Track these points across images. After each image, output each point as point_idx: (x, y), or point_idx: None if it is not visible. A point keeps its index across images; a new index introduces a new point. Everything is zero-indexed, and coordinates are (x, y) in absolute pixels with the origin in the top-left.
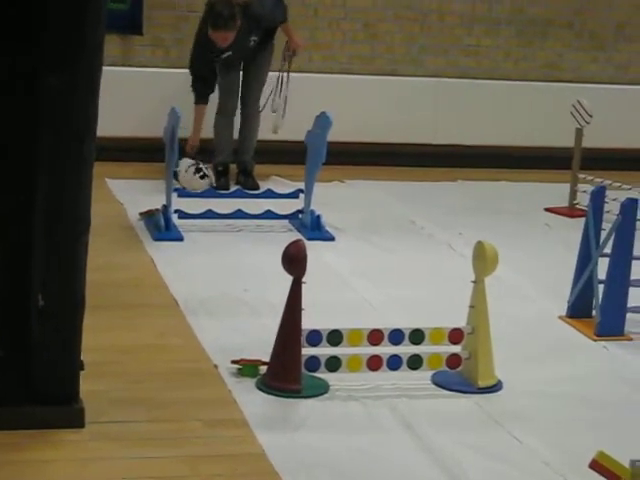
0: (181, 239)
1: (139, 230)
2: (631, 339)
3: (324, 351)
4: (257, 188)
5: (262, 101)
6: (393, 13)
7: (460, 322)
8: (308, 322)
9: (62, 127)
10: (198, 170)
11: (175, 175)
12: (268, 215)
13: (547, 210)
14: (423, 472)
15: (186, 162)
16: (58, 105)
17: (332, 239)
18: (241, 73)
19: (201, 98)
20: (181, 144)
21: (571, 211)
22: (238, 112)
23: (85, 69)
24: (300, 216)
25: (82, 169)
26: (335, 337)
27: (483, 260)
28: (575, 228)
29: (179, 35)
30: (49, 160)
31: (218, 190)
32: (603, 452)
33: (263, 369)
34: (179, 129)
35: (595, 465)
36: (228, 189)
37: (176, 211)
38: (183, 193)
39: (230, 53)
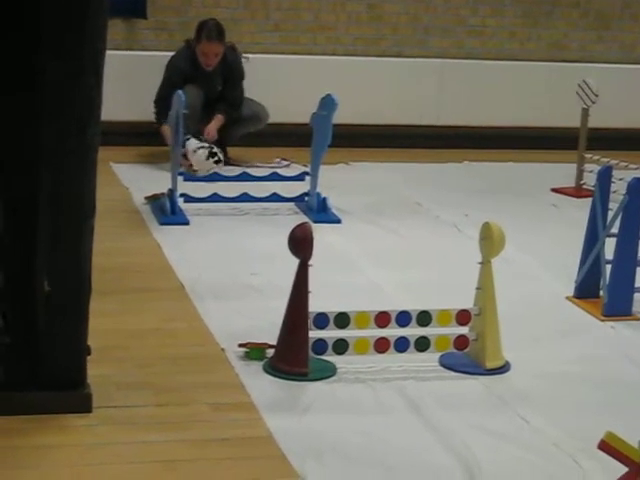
0: (187, 223)
1: (145, 214)
2: (639, 319)
3: (331, 334)
4: (229, 162)
5: None
6: None
7: (467, 303)
8: (315, 305)
9: (66, 112)
10: (212, 155)
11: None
12: (274, 198)
13: (553, 190)
14: (431, 454)
15: (194, 143)
16: (62, 90)
17: (338, 221)
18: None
19: (164, 118)
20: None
21: (578, 191)
22: None
23: (89, 54)
24: (306, 199)
25: (87, 154)
26: (342, 320)
27: (490, 241)
28: (582, 208)
29: (183, 19)
30: (54, 145)
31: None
32: (612, 433)
33: (270, 352)
34: (183, 113)
35: (604, 446)
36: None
37: (182, 195)
38: (189, 177)
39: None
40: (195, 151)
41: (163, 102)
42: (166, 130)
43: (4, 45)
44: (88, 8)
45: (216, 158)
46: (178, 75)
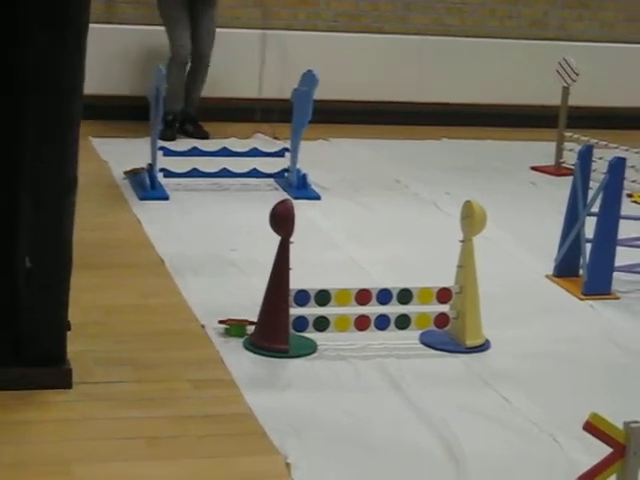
0: (167, 198)
1: (124, 189)
2: (618, 298)
3: (312, 311)
4: (208, 136)
5: None
6: None
7: (448, 282)
8: (295, 282)
9: (49, 86)
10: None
11: None
12: (254, 174)
13: (533, 169)
14: (412, 431)
15: None
16: (44, 64)
17: (318, 198)
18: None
19: None
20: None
21: (557, 170)
22: None
23: (72, 27)
24: (286, 175)
25: (69, 128)
26: (323, 297)
27: (472, 220)
28: (561, 187)
29: None
30: (36, 119)
31: (164, 141)
32: (596, 414)
33: (250, 329)
34: (163, 88)
35: (589, 427)
36: (174, 139)
37: (161, 170)
38: (168, 152)
39: None
40: None
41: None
42: None
43: None
44: None
45: None
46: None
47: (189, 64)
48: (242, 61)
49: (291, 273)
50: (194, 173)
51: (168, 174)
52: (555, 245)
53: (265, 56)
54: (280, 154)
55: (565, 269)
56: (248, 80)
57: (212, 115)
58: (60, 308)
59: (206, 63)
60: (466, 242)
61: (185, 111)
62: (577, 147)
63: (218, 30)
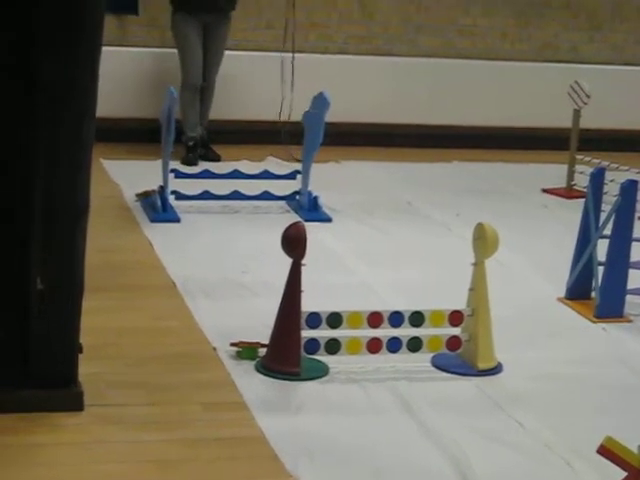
0: (178, 220)
1: (136, 211)
2: (630, 321)
3: (324, 333)
4: (219, 159)
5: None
6: None
7: (460, 304)
8: (307, 304)
9: (62, 109)
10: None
11: None
12: (265, 196)
13: (544, 191)
14: (423, 455)
15: None
16: (57, 86)
17: (329, 220)
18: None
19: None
20: (177, 126)
21: (568, 192)
22: None
23: (85, 50)
24: (297, 197)
25: (81, 151)
26: (335, 319)
27: (484, 242)
28: (573, 209)
29: None
30: (48, 142)
31: (186, 165)
32: (611, 437)
33: (262, 351)
34: (175, 110)
35: (603, 450)
36: (196, 164)
37: (173, 192)
38: (180, 174)
39: None
40: None
41: None
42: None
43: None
44: (85, 4)
45: None
46: None
47: None
48: (256, 83)
49: (303, 295)
50: (205, 195)
51: (179, 196)
52: (567, 268)
53: (284, 78)
54: (291, 176)
55: (577, 292)
56: (263, 103)
57: (223, 138)
58: (72, 330)
59: (212, 84)
60: (478, 264)
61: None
62: (589, 170)
63: (233, 53)
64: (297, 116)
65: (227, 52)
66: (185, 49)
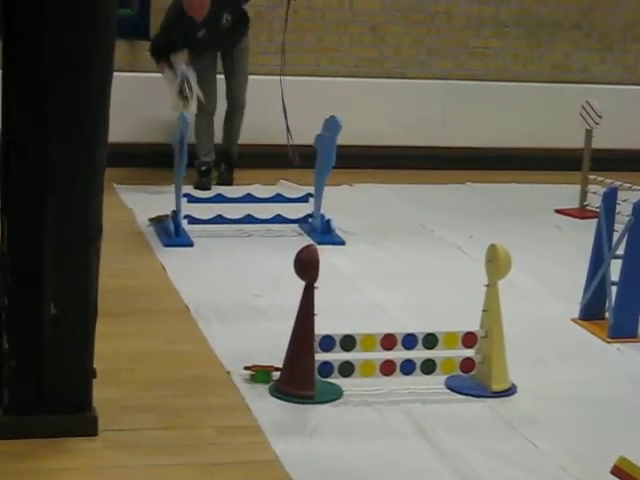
0: (191, 245)
1: (149, 236)
2: None
3: (337, 356)
4: (230, 183)
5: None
6: (400, 15)
7: (473, 326)
8: (320, 327)
9: (73, 134)
10: (181, 91)
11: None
12: (278, 220)
13: (557, 212)
14: (437, 477)
15: (168, 75)
16: (69, 111)
17: (342, 243)
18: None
19: (161, 57)
20: (190, 150)
21: (581, 212)
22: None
23: (96, 75)
24: (310, 220)
25: (93, 176)
26: (348, 342)
27: (496, 263)
28: (586, 229)
29: None
30: (60, 167)
31: (199, 190)
32: (624, 457)
33: (276, 375)
34: (188, 135)
35: (617, 471)
36: (209, 189)
37: (186, 217)
38: (193, 199)
39: (204, 32)
40: (170, 82)
41: (159, 51)
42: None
43: (13, 65)
44: (96, 29)
45: (184, 94)
46: (184, 26)
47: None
48: (268, 107)
49: (316, 318)
50: (218, 219)
51: (192, 221)
52: (580, 288)
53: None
54: (304, 200)
55: (591, 312)
56: (274, 126)
57: (236, 161)
58: (85, 355)
59: (239, 105)
60: (491, 286)
61: (224, 151)
62: (601, 190)
63: None
64: (309, 139)
65: None
66: (198, 76)
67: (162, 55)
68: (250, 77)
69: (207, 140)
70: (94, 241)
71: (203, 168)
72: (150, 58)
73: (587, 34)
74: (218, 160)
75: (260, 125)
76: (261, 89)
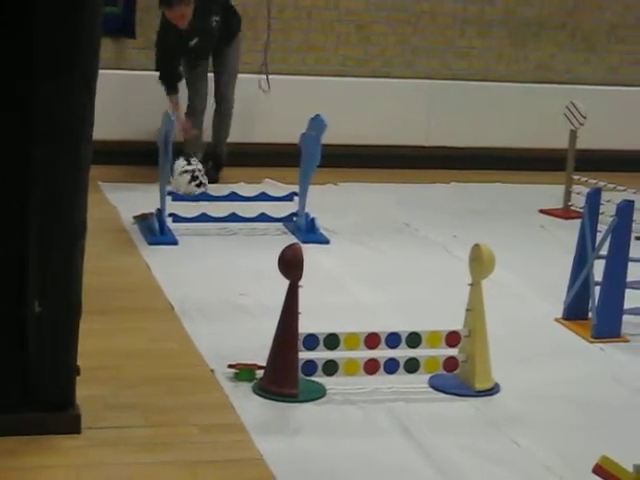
0: (176, 243)
1: (133, 234)
2: (628, 341)
3: (321, 355)
4: (216, 181)
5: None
6: (386, 15)
7: (456, 324)
8: (304, 326)
9: (58, 131)
10: (194, 178)
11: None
12: (262, 218)
13: (541, 212)
14: (421, 476)
15: (181, 164)
16: (54, 109)
17: (327, 242)
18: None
19: (171, 89)
20: (175, 147)
21: (566, 212)
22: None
23: (81, 73)
24: (294, 219)
25: (78, 174)
26: (332, 341)
27: (480, 263)
28: (570, 229)
29: None
30: (45, 164)
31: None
32: (606, 457)
33: (260, 373)
34: (172, 133)
35: (599, 470)
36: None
37: (170, 215)
38: (177, 197)
39: (197, 40)
40: (181, 174)
41: (165, 75)
42: (172, 99)
43: None
44: (82, 27)
45: (197, 182)
46: (176, 38)
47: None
48: (252, 106)
49: (300, 317)
50: (203, 218)
51: (177, 219)
52: (564, 288)
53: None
54: (288, 198)
55: (574, 312)
56: (258, 125)
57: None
58: (69, 353)
59: (227, 104)
60: (475, 285)
61: (214, 151)
62: (585, 190)
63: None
64: (294, 138)
65: None
66: (189, 81)
67: (171, 81)
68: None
69: (196, 143)
70: (78, 239)
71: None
72: (137, 58)
73: (571, 35)
74: (206, 158)
75: (245, 123)
76: (246, 87)
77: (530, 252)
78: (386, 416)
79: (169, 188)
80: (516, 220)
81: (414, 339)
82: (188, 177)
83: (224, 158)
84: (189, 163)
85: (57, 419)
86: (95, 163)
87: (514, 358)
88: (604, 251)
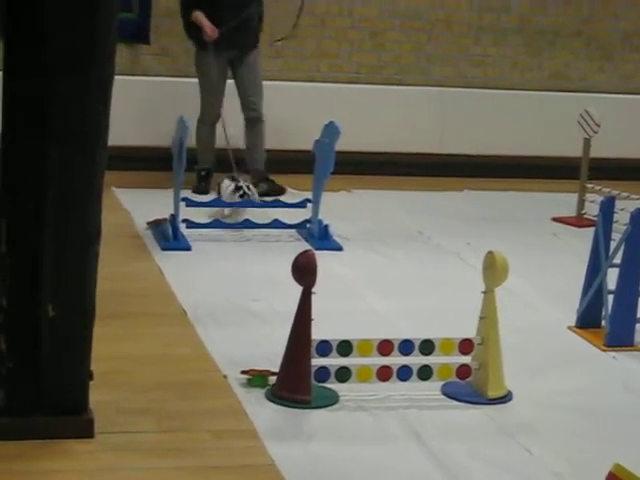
0: (189, 249)
1: (147, 239)
2: None
3: (334, 361)
4: (284, 191)
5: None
6: (400, 22)
7: (470, 332)
8: (317, 332)
9: (73, 136)
10: (238, 188)
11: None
12: (276, 224)
13: (555, 220)
14: None
15: (227, 182)
16: (69, 115)
17: (340, 249)
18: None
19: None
20: (189, 154)
21: (579, 221)
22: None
23: (96, 78)
24: (308, 226)
25: (93, 179)
26: (345, 347)
27: (494, 270)
28: (583, 238)
29: (186, 44)
30: (60, 169)
31: (197, 194)
32: (620, 465)
33: (273, 379)
34: (187, 139)
35: (612, 478)
36: (207, 193)
37: (184, 220)
38: (191, 203)
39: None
40: (228, 187)
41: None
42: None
43: (14, 68)
44: (97, 33)
45: (241, 192)
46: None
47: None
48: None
49: (313, 323)
50: (216, 224)
51: (190, 225)
52: (577, 296)
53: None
54: (302, 205)
55: (587, 320)
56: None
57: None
58: (82, 357)
59: (256, 115)
60: (488, 293)
61: (254, 168)
62: (599, 198)
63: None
64: (308, 145)
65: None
66: (205, 87)
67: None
68: None
69: (208, 148)
70: (93, 244)
71: (203, 173)
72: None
73: (586, 43)
74: (255, 182)
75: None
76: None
77: (543, 260)
78: (398, 423)
79: (183, 194)
80: (529, 228)
81: (427, 346)
82: (232, 187)
83: (266, 172)
84: (233, 179)
85: (70, 423)
86: (109, 169)
87: (527, 366)
88: (617, 259)
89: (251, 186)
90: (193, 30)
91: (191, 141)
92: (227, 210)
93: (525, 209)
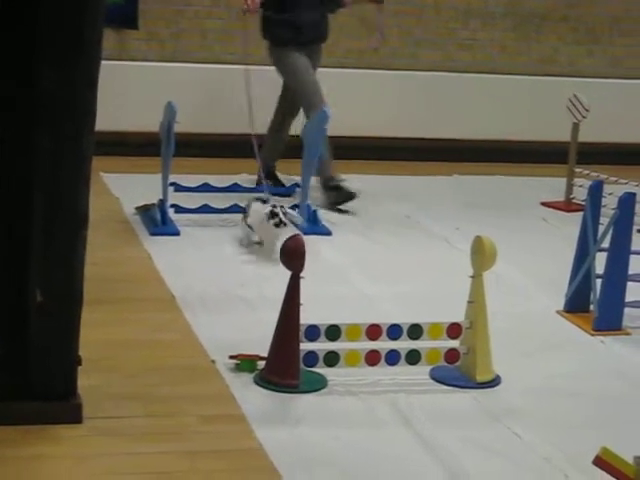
0: (177, 234)
1: (135, 224)
2: (629, 334)
3: (322, 346)
4: (354, 196)
5: None
6: (389, 7)
7: (458, 317)
8: (306, 317)
9: (61, 122)
10: (273, 215)
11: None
12: None
13: (543, 204)
14: (421, 467)
15: (258, 205)
16: (57, 100)
17: (329, 234)
18: None
19: None
20: (178, 140)
21: (567, 205)
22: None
23: (84, 64)
24: (296, 210)
25: (80, 164)
26: (333, 332)
27: (482, 255)
28: (572, 222)
29: (174, 29)
30: (47, 155)
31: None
32: (607, 448)
33: (261, 364)
34: (175, 124)
35: (599, 462)
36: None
37: (172, 205)
38: (179, 188)
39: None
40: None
41: None
42: None
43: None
44: (84, 18)
45: (276, 220)
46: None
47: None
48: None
49: (301, 308)
50: (205, 209)
51: (179, 210)
52: (566, 281)
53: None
54: (291, 190)
55: (576, 305)
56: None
57: (219, 151)
58: (71, 342)
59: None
60: (476, 277)
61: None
62: (587, 183)
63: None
64: (296, 130)
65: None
66: (303, 78)
67: None
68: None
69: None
70: (80, 229)
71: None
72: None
73: (574, 27)
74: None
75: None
76: (250, 79)
77: (532, 245)
78: (387, 407)
79: (172, 180)
80: (518, 213)
81: (415, 331)
82: (267, 213)
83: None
84: (264, 202)
85: (58, 409)
86: (97, 154)
87: (515, 350)
88: (606, 244)
89: (288, 210)
90: (268, 27)
91: (179, 127)
92: (257, 236)
93: (514, 194)
